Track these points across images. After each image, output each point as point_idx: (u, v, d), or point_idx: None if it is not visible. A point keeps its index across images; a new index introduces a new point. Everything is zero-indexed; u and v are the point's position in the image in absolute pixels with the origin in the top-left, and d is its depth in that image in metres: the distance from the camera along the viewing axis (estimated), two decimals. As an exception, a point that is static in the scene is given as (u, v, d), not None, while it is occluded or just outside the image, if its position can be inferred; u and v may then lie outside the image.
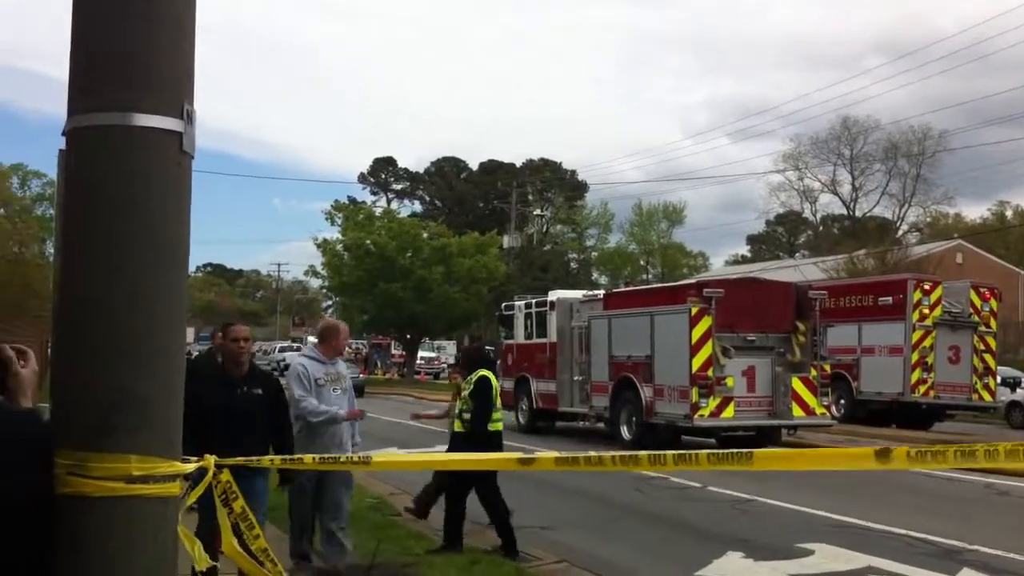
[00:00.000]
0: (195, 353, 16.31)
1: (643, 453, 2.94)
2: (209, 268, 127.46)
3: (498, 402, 10.58)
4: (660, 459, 2.95)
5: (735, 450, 2.83)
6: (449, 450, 10.95)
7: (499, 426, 10.43)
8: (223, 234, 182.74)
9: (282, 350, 67.43)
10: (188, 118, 2.59)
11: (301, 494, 8.54)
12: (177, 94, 2.60)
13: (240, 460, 3.07)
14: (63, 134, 2.60)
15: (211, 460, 2.89)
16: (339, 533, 8.42)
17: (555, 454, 3.04)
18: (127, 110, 2.51)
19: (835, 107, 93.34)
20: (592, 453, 3.04)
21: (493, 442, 10.13)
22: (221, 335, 8.07)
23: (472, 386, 10.27)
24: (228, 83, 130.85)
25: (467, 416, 10.25)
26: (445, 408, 13.18)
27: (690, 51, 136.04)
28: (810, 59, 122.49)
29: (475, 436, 10.05)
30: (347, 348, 61.72)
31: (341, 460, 3.27)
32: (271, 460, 3.32)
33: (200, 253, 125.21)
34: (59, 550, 2.48)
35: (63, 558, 2.48)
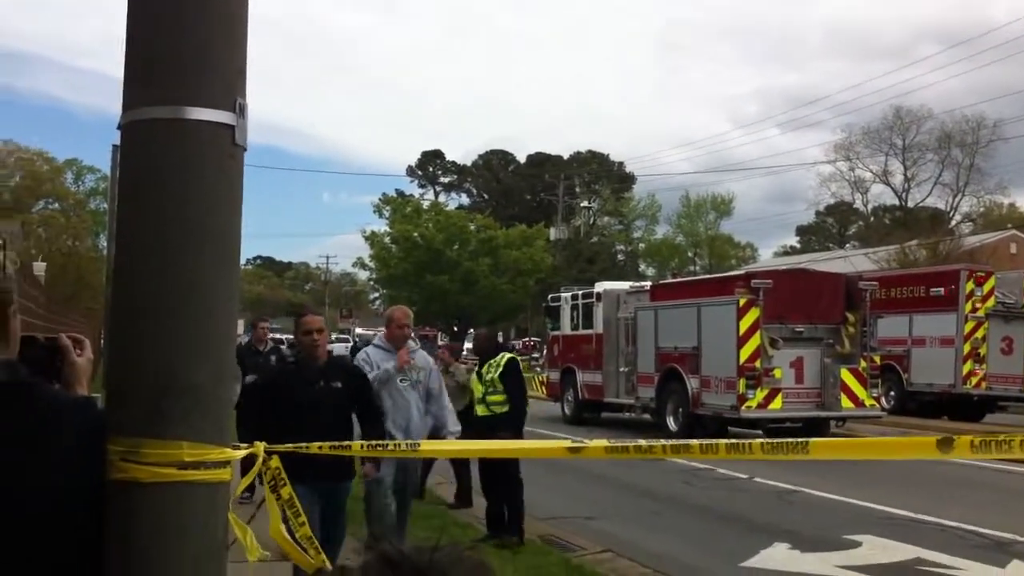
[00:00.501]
0: (242, 343, 16.51)
1: (695, 442, 2.93)
2: (259, 261, 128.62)
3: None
4: (712, 448, 2.92)
5: (790, 439, 2.81)
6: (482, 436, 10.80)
7: (506, 408, 10.24)
8: (273, 227, 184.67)
9: (329, 342, 67.87)
10: (240, 111, 2.63)
11: (380, 486, 8.22)
12: (230, 88, 2.64)
13: (290, 447, 3.13)
14: (118, 127, 2.65)
15: (260, 446, 2.95)
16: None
17: (604, 442, 3.02)
18: (180, 104, 2.55)
19: (887, 97, 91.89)
20: (642, 441, 3.05)
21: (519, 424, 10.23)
22: (294, 328, 7.50)
23: (502, 368, 10.15)
24: (278, 78, 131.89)
25: (495, 398, 10.13)
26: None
27: (738, 41, 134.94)
28: (860, 48, 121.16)
29: (515, 418, 10.05)
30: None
31: (389, 447, 3.28)
32: (319, 447, 3.37)
33: (250, 246, 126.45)
34: (109, 537, 2.53)
35: (114, 545, 2.53)
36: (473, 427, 10.26)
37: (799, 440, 2.74)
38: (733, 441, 3.03)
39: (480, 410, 10.35)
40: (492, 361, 10.31)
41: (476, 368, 10.86)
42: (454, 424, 9.16)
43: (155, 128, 2.57)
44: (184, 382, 2.51)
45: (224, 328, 2.64)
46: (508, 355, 10.46)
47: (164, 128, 2.55)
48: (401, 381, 8.32)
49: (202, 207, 2.55)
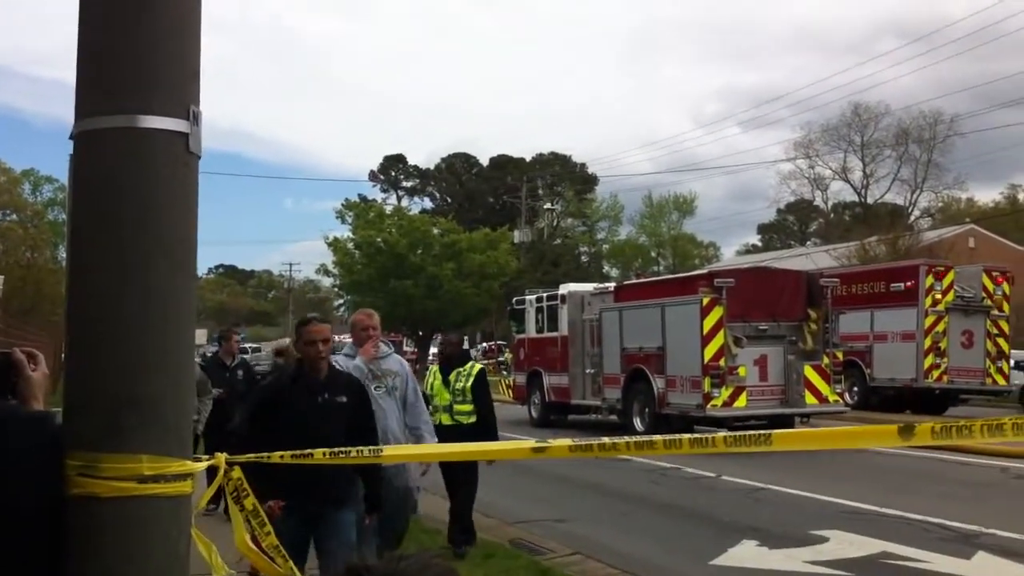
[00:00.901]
0: (208, 354, 16.13)
1: (658, 437, 2.93)
2: (221, 269, 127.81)
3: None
4: (676, 443, 2.93)
5: (752, 431, 2.82)
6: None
7: (473, 419, 9.87)
8: (234, 235, 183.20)
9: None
10: (194, 119, 2.61)
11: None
12: (183, 95, 2.63)
13: (251, 457, 3.10)
14: (71, 138, 2.63)
15: (222, 457, 2.92)
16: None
17: (569, 441, 3.02)
18: (133, 112, 2.53)
19: (847, 93, 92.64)
20: (606, 439, 3.04)
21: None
22: (295, 336, 6.90)
23: (473, 378, 9.87)
24: (237, 83, 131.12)
25: (463, 408, 9.77)
26: None
27: (699, 39, 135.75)
28: (821, 45, 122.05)
29: (489, 429, 9.67)
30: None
31: (352, 454, 3.22)
32: (280, 456, 3.34)
33: (212, 254, 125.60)
34: (70, 552, 2.50)
35: (74, 560, 2.50)
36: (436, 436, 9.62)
37: (762, 432, 2.75)
38: (696, 436, 3.04)
39: (444, 419, 9.77)
40: (462, 369, 9.96)
41: (437, 373, 10.24)
42: (432, 436, 8.27)
43: (108, 137, 2.55)
44: (142, 394, 2.49)
45: (182, 338, 2.62)
46: (478, 365, 10.18)
47: (117, 137, 2.53)
48: (376, 388, 7.50)
49: (157, 216, 2.53)
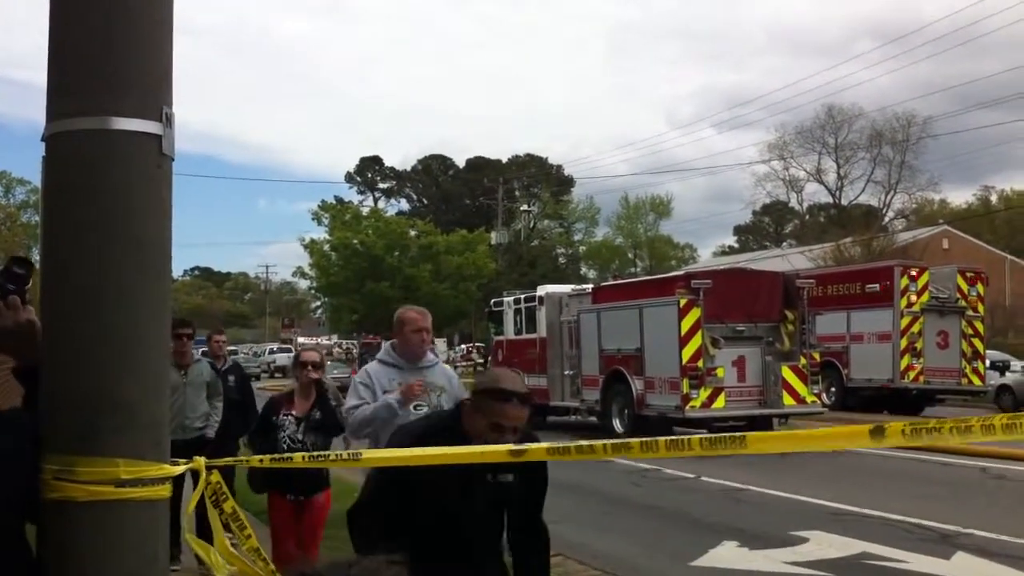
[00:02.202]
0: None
1: (634, 440, 2.93)
2: (197, 272, 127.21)
3: None
4: (652, 446, 2.92)
5: (727, 434, 2.81)
6: None
7: None
8: (210, 237, 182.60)
9: (272, 352, 67.41)
10: (167, 121, 2.59)
11: None
12: (155, 97, 2.60)
13: (230, 461, 3.07)
14: (43, 139, 2.59)
15: (201, 461, 2.89)
16: None
17: (547, 444, 3.02)
18: (105, 114, 2.50)
19: (822, 95, 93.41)
20: (583, 441, 3.04)
21: None
22: (474, 403, 4.59)
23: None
24: (211, 85, 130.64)
25: None
26: None
27: (675, 42, 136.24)
28: (796, 47, 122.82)
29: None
30: (337, 348, 61.70)
31: (331, 458, 3.18)
32: (260, 460, 3.31)
33: (187, 257, 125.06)
34: (47, 556, 2.48)
35: (51, 564, 2.48)
36: None
37: (736, 435, 2.75)
38: (673, 438, 3.03)
39: None
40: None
41: None
42: None
43: (81, 139, 2.52)
44: (118, 398, 2.47)
45: (158, 342, 2.59)
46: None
47: (89, 139, 2.51)
48: (416, 408, 5.94)
49: (130, 218, 2.50)
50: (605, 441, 3.08)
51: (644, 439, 2.89)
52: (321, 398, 7.45)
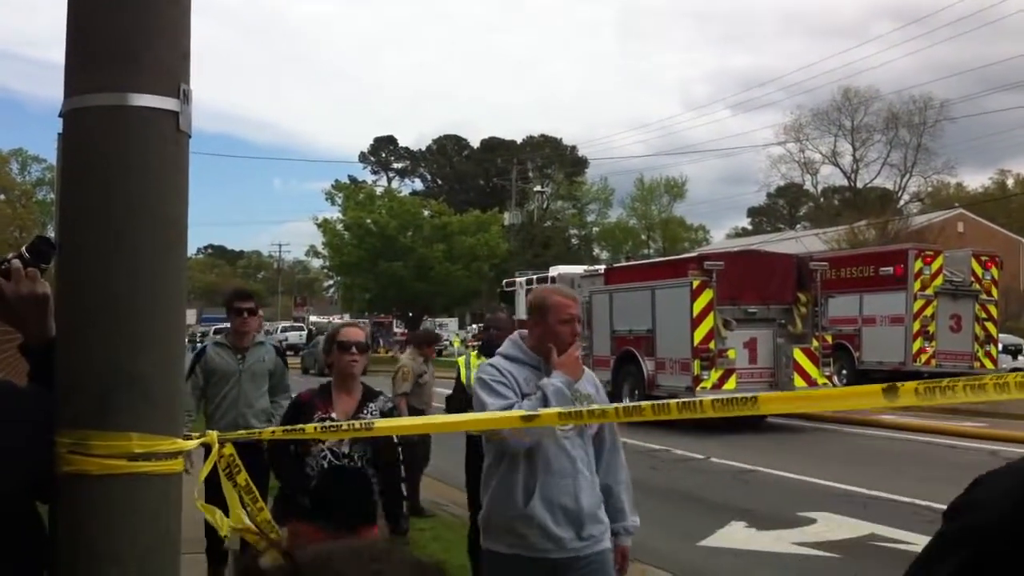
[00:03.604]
0: (198, 335, 15.53)
1: (646, 403, 2.94)
2: (210, 250, 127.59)
3: None
4: (664, 408, 2.94)
5: (739, 395, 2.83)
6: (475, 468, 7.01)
7: None
8: (224, 216, 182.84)
9: (284, 330, 67.66)
10: (185, 97, 2.60)
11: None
12: (174, 73, 2.61)
13: (243, 434, 3.11)
14: (60, 115, 2.61)
15: (214, 435, 2.93)
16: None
17: (558, 409, 3.01)
18: (123, 90, 2.51)
19: (840, 77, 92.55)
20: (595, 406, 3.05)
21: None
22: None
23: None
24: (228, 64, 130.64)
25: None
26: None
27: (689, 23, 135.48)
28: (813, 29, 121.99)
29: None
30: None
31: (343, 428, 3.14)
32: (272, 432, 3.35)
33: (201, 235, 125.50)
34: (59, 529, 2.51)
35: (64, 537, 2.51)
36: (476, 452, 6.83)
37: (748, 395, 2.75)
38: (685, 400, 3.06)
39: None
40: None
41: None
42: (634, 512, 5.04)
43: (97, 115, 2.53)
44: (132, 372, 2.49)
45: (172, 317, 2.62)
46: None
47: (107, 115, 2.52)
48: (561, 427, 4.36)
49: (147, 195, 2.52)
50: (617, 405, 3.11)
51: (656, 402, 2.92)
52: (368, 393, 5.56)
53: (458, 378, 8.89)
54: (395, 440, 5.44)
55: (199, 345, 9.04)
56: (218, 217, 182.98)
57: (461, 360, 8.94)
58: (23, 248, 2.61)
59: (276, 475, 5.54)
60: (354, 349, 5.42)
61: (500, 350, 4.82)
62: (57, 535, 2.50)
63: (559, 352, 4.47)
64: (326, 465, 5.23)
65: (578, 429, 4.49)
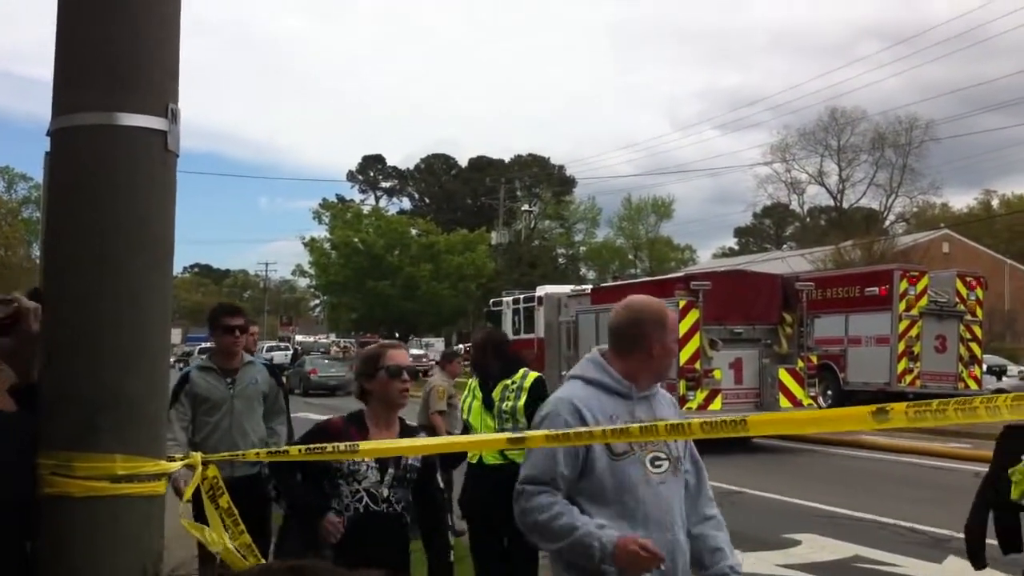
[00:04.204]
0: (190, 356, 15.39)
1: (634, 425, 2.93)
2: (196, 269, 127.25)
3: None
4: (652, 430, 2.93)
5: (729, 416, 2.81)
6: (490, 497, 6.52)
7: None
8: (210, 234, 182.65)
9: (269, 350, 67.46)
10: (173, 117, 2.60)
11: None
12: (161, 93, 2.61)
13: (226, 456, 3.10)
14: (47, 134, 2.61)
15: (198, 457, 2.92)
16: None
17: (545, 432, 2.93)
18: (111, 109, 2.52)
19: (827, 97, 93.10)
20: (582, 428, 3.01)
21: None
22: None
23: (527, 393, 6.83)
24: (215, 82, 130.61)
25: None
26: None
27: (678, 42, 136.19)
28: (801, 49, 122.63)
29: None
30: (335, 346, 61.55)
31: (328, 450, 3.06)
32: (256, 453, 3.34)
33: (187, 254, 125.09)
34: (43, 551, 2.49)
35: (45, 560, 2.49)
36: (475, 483, 6.81)
37: (737, 416, 2.73)
38: (674, 422, 3.02)
39: (488, 456, 6.71)
40: (511, 381, 6.96)
41: (476, 390, 7.24)
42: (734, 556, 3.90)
43: (86, 134, 2.53)
44: (117, 394, 2.48)
45: (158, 338, 2.61)
46: (533, 374, 7.07)
47: (95, 134, 2.52)
48: (655, 463, 3.52)
49: (134, 215, 2.52)
50: (604, 427, 3.09)
51: (644, 423, 2.90)
52: (405, 428, 4.60)
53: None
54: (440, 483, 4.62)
55: (182, 368, 8.02)
56: (204, 235, 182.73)
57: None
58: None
59: (286, 495, 4.42)
60: (406, 375, 4.46)
61: (577, 371, 3.78)
62: (39, 558, 2.49)
63: (656, 378, 3.72)
64: (361, 509, 4.27)
65: (671, 463, 3.56)
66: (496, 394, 6.94)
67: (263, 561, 3.07)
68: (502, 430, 6.73)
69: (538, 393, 6.68)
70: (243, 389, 6.73)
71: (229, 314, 6.86)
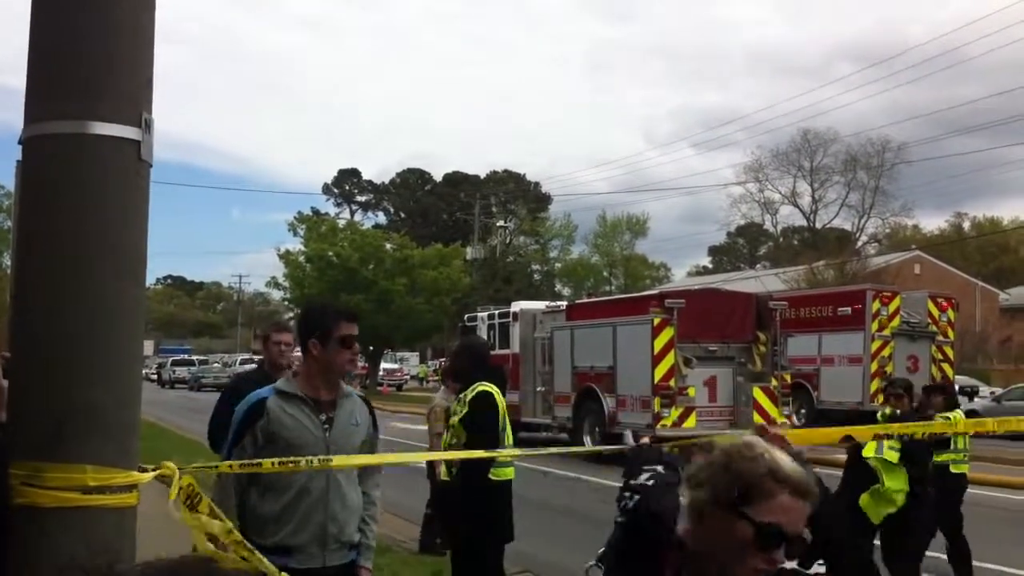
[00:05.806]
0: (154, 366, 15.36)
1: (609, 448, 2.93)
2: (169, 280, 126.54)
3: (508, 433, 6.83)
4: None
5: (701, 438, 2.82)
6: (439, 512, 7.87)
7: (508, 473, 6.61)
8: (184, 246, 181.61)
9: (242, 363, 67.16)
10: (146, 127, 2.58)
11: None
12: (135, 103, 2.59)
13: (200, 466, 3.06)
14: (19, 142, 2.59)
15: (173, 467, 2.88)
16: None
17: (516, 451, 2.97)
18: (84, 118, 2.50)
19: (802, 118, 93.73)
20: (554, 448, 3.03)
21: (497, 496, 6.55)
22: None
23: (466, 407, 6.66)
24: (190, 93, 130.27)
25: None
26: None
27: (655, 61, 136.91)
28: (777, 69, 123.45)
29: (471, 488, 6.47)
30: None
31: (302, 464, 3.03)
32: (229, 466, 3.30)
33: (160, 265, 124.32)
34: (12, 563, 2.46)
35: (17, 570, 2.46)
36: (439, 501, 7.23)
37: (704, 439, 2.74)
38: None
39: (443, 472, 6.98)
40: (463, 394, 6.81)
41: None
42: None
43: (57, 143, 2.51)
44: (88, 404, 2.45)
45: (130, 349, 2.58)
46: (480, 387, 6.68)
47: (67, 143, 2.50)
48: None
49: (106, 224, 2.49)
50: (580, 448, 3.09)
51: (611, 447, 2.90)
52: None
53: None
54: None
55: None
56: (177, 247, 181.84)
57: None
58: None
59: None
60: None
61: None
62: (8, 570, 2.45)
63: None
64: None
65: None
66: (455, 407, 6.87)
67: (257, 554, 3.00)
68: (450, 444, 6.75)
69: (477, 406, 6.56)
70: (342, 432, 4.27)
71: (348, 320, 4.41)
